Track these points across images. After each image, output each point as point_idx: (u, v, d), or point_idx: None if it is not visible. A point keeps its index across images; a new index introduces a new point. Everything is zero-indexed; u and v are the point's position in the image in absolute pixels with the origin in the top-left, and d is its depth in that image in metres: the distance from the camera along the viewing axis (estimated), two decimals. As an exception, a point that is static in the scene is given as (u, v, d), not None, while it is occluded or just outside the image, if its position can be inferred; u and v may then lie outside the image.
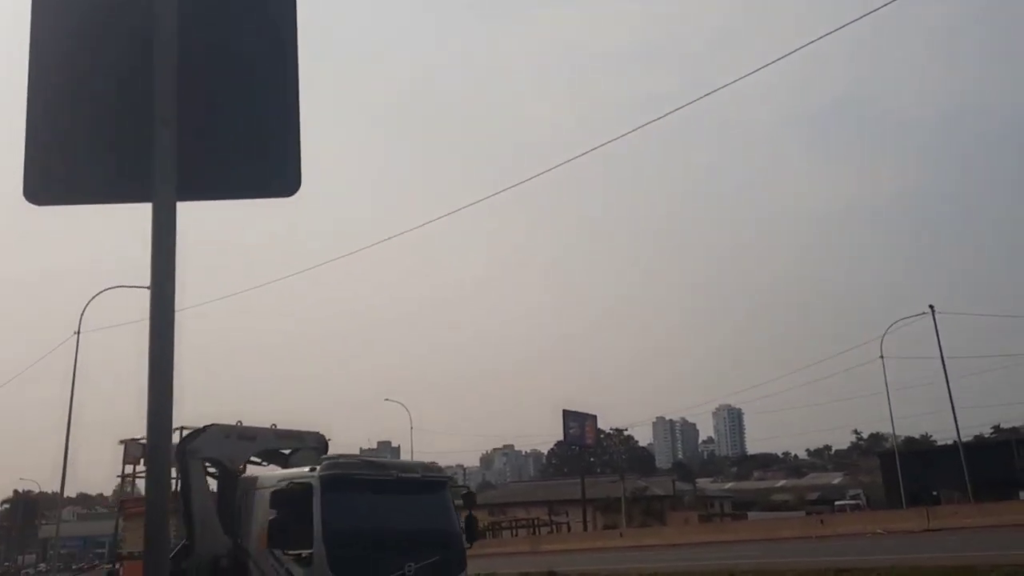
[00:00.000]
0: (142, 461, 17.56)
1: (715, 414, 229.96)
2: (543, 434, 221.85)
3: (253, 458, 13.35)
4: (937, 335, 41.93)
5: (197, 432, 12.34)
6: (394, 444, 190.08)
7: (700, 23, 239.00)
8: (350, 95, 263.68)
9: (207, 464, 12.46)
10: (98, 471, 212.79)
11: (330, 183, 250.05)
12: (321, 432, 14.44)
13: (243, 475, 12.70)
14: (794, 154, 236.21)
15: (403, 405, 64.91)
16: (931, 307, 43.46)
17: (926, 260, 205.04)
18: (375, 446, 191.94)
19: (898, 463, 46.64)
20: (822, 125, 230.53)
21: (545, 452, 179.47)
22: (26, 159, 1.90)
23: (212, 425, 12.50)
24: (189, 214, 1.87)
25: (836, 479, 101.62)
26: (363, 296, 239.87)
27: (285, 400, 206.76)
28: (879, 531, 25.27)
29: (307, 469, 11.16)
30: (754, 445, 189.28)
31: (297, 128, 1.99)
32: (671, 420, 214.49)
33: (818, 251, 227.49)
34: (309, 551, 10.24)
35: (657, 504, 72.24)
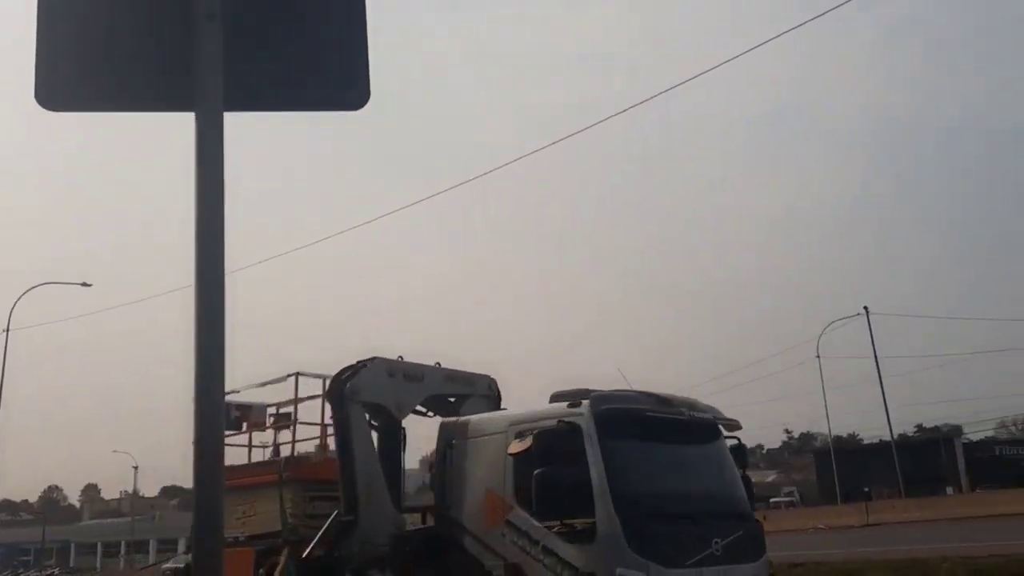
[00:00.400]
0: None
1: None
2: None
3: (417, 407, 10.78)
4: (871, 336, 43.06)
5: (355, 368, 9.70)
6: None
7: (642, 27, 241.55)
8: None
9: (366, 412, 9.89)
10: (23, 476, 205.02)
11: (270, 180, 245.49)
12: (491, 377, 11.55)
13: (445, 421, 9.97)
14: (734, 158, 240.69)
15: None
16: (865, 308, 44.57)
17: (861, 265, 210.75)
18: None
19: (833, 461, 47.74)
20: (761, 131, 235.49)
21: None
22: (37, 54, 1.52)
23: (375, 359, 9.94)
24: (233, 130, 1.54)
25: (770, 477, 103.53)
26: (320, 288, 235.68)
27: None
28: (820, 526, 25.71)
29: (564, 406, 8.27)
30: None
31: (365, 30, 1.68)
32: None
33: (755, 254, 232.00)
34: (589, 521, 7.62)
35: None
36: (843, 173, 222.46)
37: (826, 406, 47.53)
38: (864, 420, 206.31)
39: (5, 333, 30.23)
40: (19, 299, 30.59)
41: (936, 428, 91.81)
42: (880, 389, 42.64)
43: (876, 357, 42.59)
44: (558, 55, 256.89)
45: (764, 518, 29.18)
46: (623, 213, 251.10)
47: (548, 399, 9.01)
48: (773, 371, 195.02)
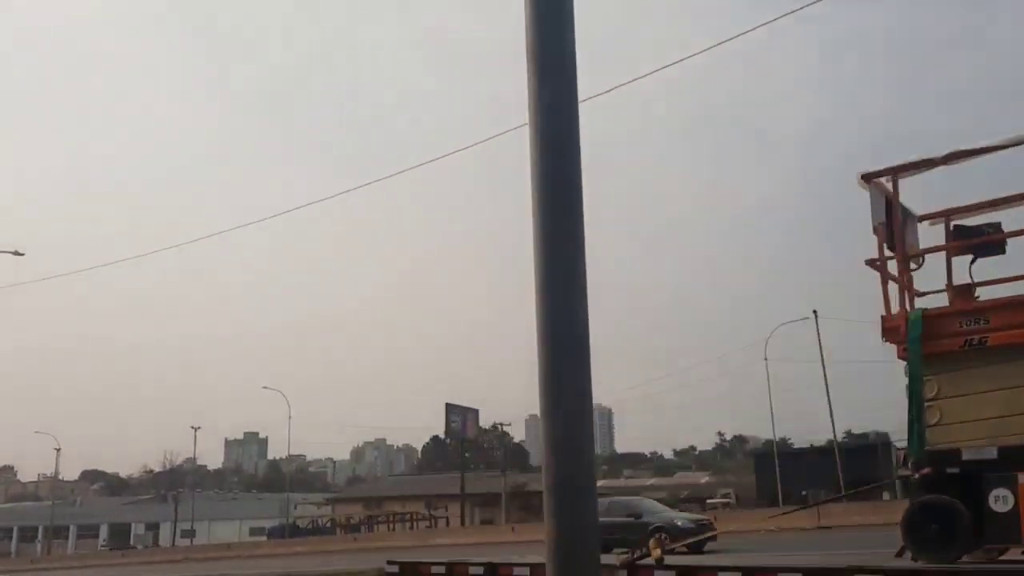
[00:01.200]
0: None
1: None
2: (416, 428, 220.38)
3: None
4: (819, 339, 43.49)
5: None
6: (262, 435, 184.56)
7: (584, 26, 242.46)
8: (226, 79, 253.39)
9: None
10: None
11: (199, 164, 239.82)
12: None
13: None
14: (673, 159, 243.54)
15: (281, 393, 62.02)
16: (815, 312, 45.07)
17: (797, 269, 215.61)
18: (241, 436, 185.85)
19: (777, 463, 48.19)
20: (696, 134, 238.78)
21: (417, 446, 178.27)
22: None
23: None
24: None
25: (703, 478, 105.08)
26: (232, 281, 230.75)
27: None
28: (772, 528, 25.60)
29: None
30: (623, 444, 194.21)
31: None
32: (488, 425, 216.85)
33: (695, 257, 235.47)
34: None
35: (536, 499, 72.37)
36: (776, 174, 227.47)
37: (771, 408, 48.14)
38: (797, 425, 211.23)
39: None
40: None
41: (864, 435, 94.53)
42: (826, 393, 43.05)
43: (823, 361, 43.01)
44: (503, 50, 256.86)
45: (715, 519, 29.03)
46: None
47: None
48: (706, 376, 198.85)
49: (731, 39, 12.77)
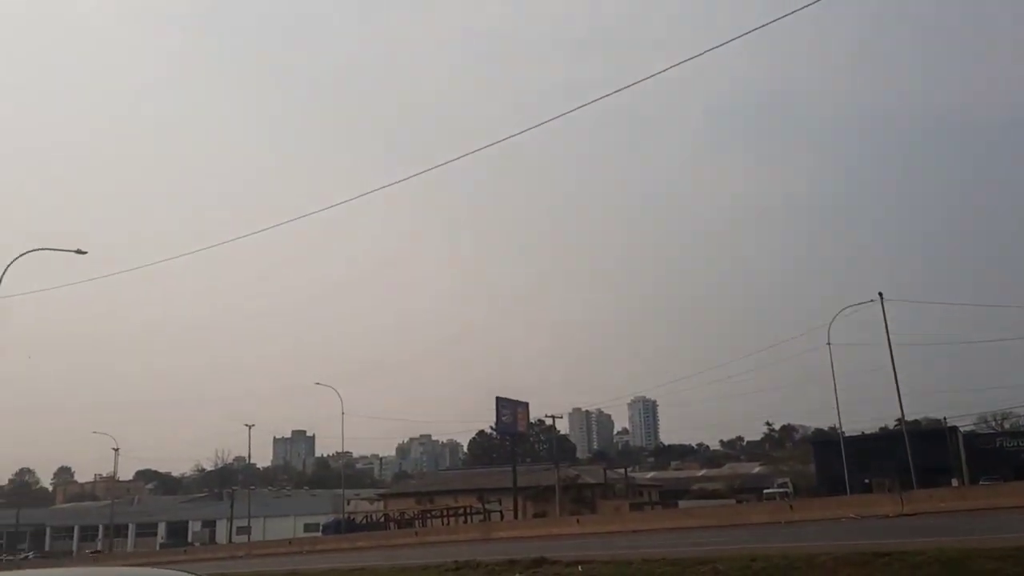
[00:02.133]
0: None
1: (631, 406, 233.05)
2: (463, 423, 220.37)
3: None
4: (886, 323, 42.26)
5: None
6: (309, 433, 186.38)
7: (627, 12, 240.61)
8: (272, 75, 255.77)
9: None
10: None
11: (247, 160, 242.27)
12: None
13: None
14: (721, 148, 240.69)
15: (334, 389, 62.21)
16: (880, 295, 43.81)
17: (846, 258, 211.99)
18: (289, 435, 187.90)
19: (843, 451, 47.01)
20: (748, 120, 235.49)
21: (461, 442, 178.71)
22: None
23: None
24: None
25: (755, 468, 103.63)
26: (276, 278, 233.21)
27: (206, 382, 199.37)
28: (852, 516, 24.91)
29: None
30: (667, 436, 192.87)
31: None
32: (588, 411, 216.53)
33: (739, 248, 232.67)
34: None
35: (588, 492, 71.90)
36: (835, 163, 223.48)
37: (836, 396, 46.75)
38: (845, 413, 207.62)
39: (-5, 301, 28.48)
40: (10, 265, 28.85)
41: (916, 422, 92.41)
42: (894, 378, 41.81)
43: (890, 345, 41.75)
44: (545, 37, 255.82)
45: (791, 507, 28.26)
46: (612, 207, 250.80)
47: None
48: (758, 366, 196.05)
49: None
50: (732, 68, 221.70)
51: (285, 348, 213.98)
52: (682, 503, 68.85)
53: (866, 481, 50.75)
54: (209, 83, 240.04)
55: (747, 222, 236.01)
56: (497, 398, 70.47)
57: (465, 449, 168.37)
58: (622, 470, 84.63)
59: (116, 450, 70.18)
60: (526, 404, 74.65)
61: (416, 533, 47.13)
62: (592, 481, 73.77)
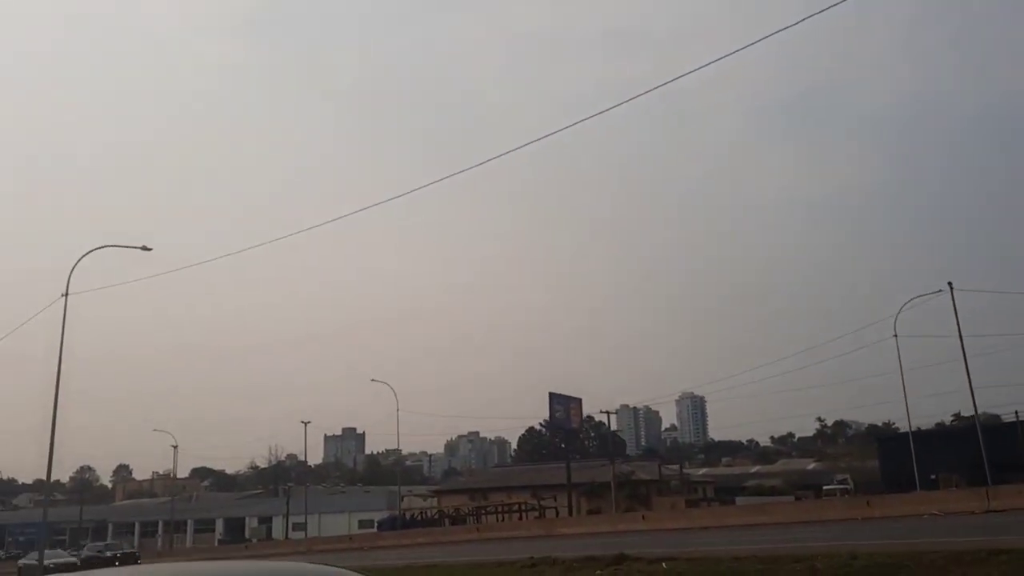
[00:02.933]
0: None
1: (678, 402, 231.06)
2: (518, 419, 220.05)
3: None
4: (956, 314, 40.88)
5: None
6: (359, 431, 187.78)
7: (670, 8, 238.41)
8: (318, 79, 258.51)
9: None
10: (58, 454, 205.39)
11: (292, 161, 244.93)
12: None
13: None
14: (768, 142, 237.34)
15: (390, 386, 62.35)
16: (950, 284, 42.41)
17: (899, 253, 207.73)
18: (340, 432, 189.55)
19: (912, 446, 45.59)
20: (793, 112, 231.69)
21: (509, 438, 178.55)
22: None
23: None
24: None
25: (810, 465, 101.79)
26: (330, 274, 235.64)
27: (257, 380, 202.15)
28: (935, 512, 24.06)
29: None
30: (715, 433, 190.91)
31: None
32: (635, 408, 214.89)
33: (791, 242, 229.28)
34: None
35: (643, 488, 71.15)
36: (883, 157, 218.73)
37: (904, 389, 45.36)
38: (896, 409, 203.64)
39: (64, 297, 28.79)
40: (78, 261, 29.19)
41: (969, 417, 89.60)
42: (966, 371, 40.42)
43: (961, 336, 40.36)
44: (584, 33, 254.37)
45: (868, 503, 27.42)
46: (659, 204, 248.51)
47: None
48: (808, 362, 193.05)
49: None
50: (777, 61, 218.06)
51: (336, 344, 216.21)
52: (739, 500, 67.77)
53: (932, 477, 49.25)
54: (261, 87, 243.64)
55: (795, 215, 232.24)
56: (550, 394, 70.11)
57: (514, 446, 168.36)
58: (675, 466, 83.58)
59: (175, 447, 71.24)
60: (579, 400, 74.14)
61: (477, 529, 46.98)
62: (647, 477, 73.02)
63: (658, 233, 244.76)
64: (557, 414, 71.09)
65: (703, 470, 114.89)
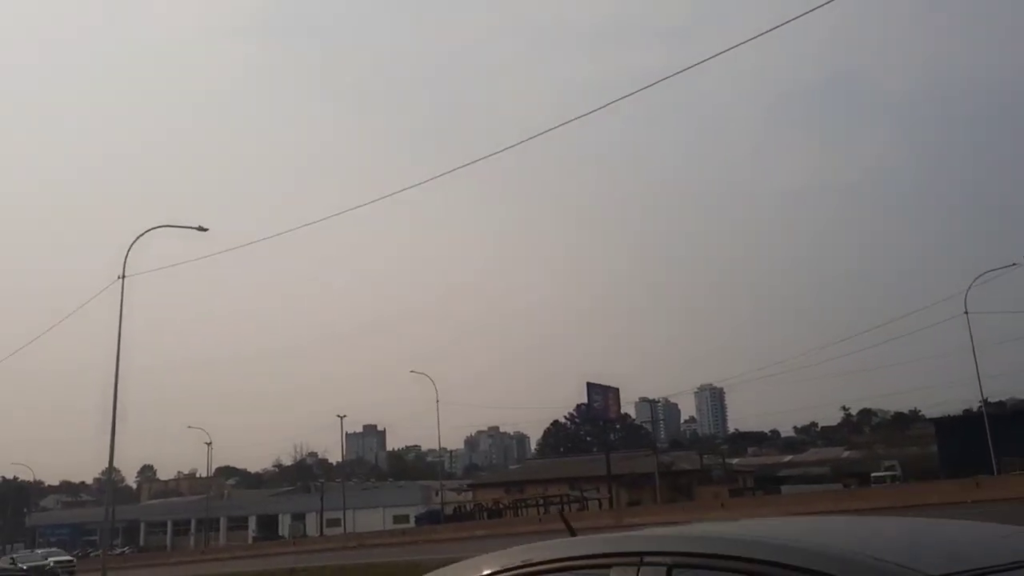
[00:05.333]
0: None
1: (697, 394, 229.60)
2: (544, 408, 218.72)
3: None
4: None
5: None
6: (380, 427, 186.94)
7: None
8: (327, 73, 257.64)
9: None
10: (84, 454, 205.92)
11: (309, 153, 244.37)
12: None
13: None
14: (782, 131, 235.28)
15: (430, 378, 61.28)
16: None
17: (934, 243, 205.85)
18: (360, 429, 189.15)
19: (988, 427, 44.08)
20: (819, 96, 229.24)
21: (529, 434, 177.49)
22: None
23: None
24: None
25: (844, 453, 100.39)
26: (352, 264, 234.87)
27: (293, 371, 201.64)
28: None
29: None
30: (734, 424, 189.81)
31: None
32: (654, 400, 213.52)
33: (812, 233, 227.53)
34: None
35: (684, 479, 70.03)
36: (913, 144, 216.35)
37: (977, 368, 43.92)
38: (926, 396, 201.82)
39: (120, 280, 27.73)
40: (134, 242, 28.12)
41: (1002, 403, 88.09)
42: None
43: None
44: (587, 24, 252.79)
45: (977, 484, 26.19)
46: (676, 196, 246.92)
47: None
48: (834, 356, 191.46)
49: None
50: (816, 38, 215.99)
51: (356, 342, 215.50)
52: (785, 488, 66.53)
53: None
54: (275, 87, 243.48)
55: (822, 203, 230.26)
56: (588, 383, 69.05)
57: (535, 441, 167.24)
58: (718, 457, 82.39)
59: (209, 444, 70.44)
60: (616, 390, 73.05)
61: (540, 520, 45.87)
62: (688, 467, 71.94)
63: (677, 224, 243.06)
64: (595, 403, 70.00)
65: (735, 460, 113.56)
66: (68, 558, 48.67)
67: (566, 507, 63.11)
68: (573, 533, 2.91)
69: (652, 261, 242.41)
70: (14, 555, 41.46)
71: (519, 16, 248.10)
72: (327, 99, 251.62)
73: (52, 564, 44.07)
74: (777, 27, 14.26)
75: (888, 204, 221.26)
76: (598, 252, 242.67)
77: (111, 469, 28.96)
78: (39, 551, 52.85)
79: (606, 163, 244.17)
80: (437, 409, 59.73)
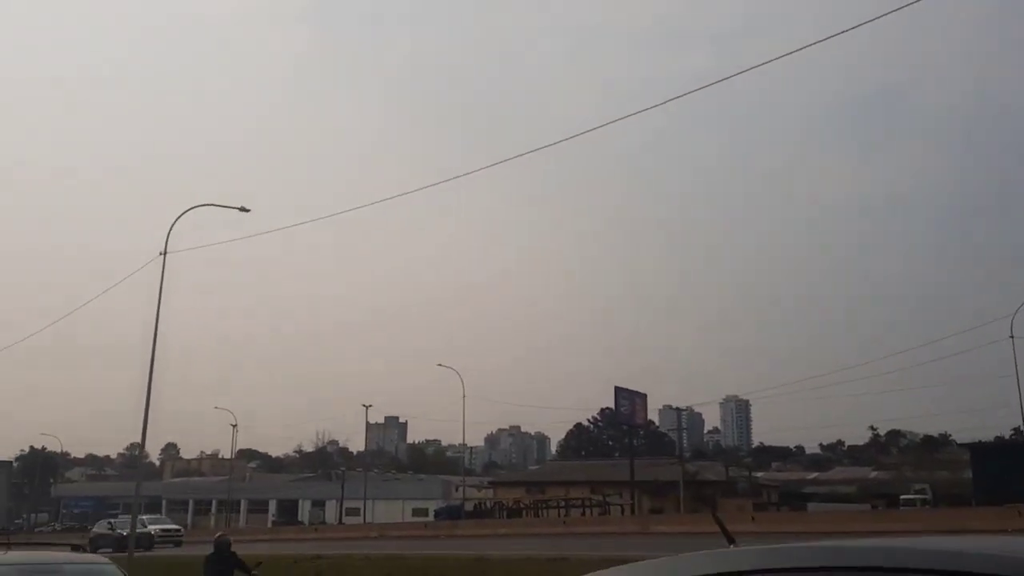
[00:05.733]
0: None
1: (722, 405, 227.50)
2: (568, 409, 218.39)
3: None
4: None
5: None
6: (401, 419, 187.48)
7: (733, 3, 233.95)
8: (363, 64, 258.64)
9: None
10: (106, 430, 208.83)
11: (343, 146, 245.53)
12: None
13: None
14: (824, 142, 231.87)
15: (456, 372, 61.00)
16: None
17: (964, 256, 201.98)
18: (382, 420, 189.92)
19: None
20: (859, 109, 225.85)
21: (550, 435, 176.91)
22: None
23: None
24: None
25: (871, 473, 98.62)
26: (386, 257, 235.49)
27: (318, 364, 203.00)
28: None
29: None
30: (759, 438, 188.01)
31: None
32: (677, 408, 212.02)
33: (856, 244, 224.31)
34: None
35: (708, 489, 69.08)
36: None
37: (1021, 394, 42.76)
38: (954, 421, 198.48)
39: (162, 256, 27.64)
40: (176, 220, 28.01)
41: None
42: None
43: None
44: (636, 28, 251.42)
45: (1020, 513, 25.35)
46: (707, 206, 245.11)
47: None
48: (862, 375, 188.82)
49: None
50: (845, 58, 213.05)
51: (379, 333, 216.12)
52: (811, 506, 65.39)
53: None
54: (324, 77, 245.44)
55: (842, 223, 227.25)
56: (616, 388, 68.45)
57: (555, 443, 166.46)
58: (743, 470, 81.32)
59: (235, 426, 70.74)
60: (644, 395, 72.38)
61: (564, 523, 45.41)
62: (712, 478, 71.00)
63: (708, 235, 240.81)
64: (622, 408, 69.38)
65: (760, 474, 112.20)
66: (175, 527, 46.97)
67: (587, 511, 62.57)
68: (732, 541, 2.68)
69: (682, 268, 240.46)
70: (112, 520, 39.34)
71: (557, 15, 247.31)
72: (371, 89, 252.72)
73: (156, 532, 41.62)
74: (823, 40, 13.72)
75: (931, 220, 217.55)
76: (629, 254, 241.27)
77: (143, 444, 28.82)
78: (143, 517, 48.01)
79: (641, 171, 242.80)
80: (463, 404, 59.43)
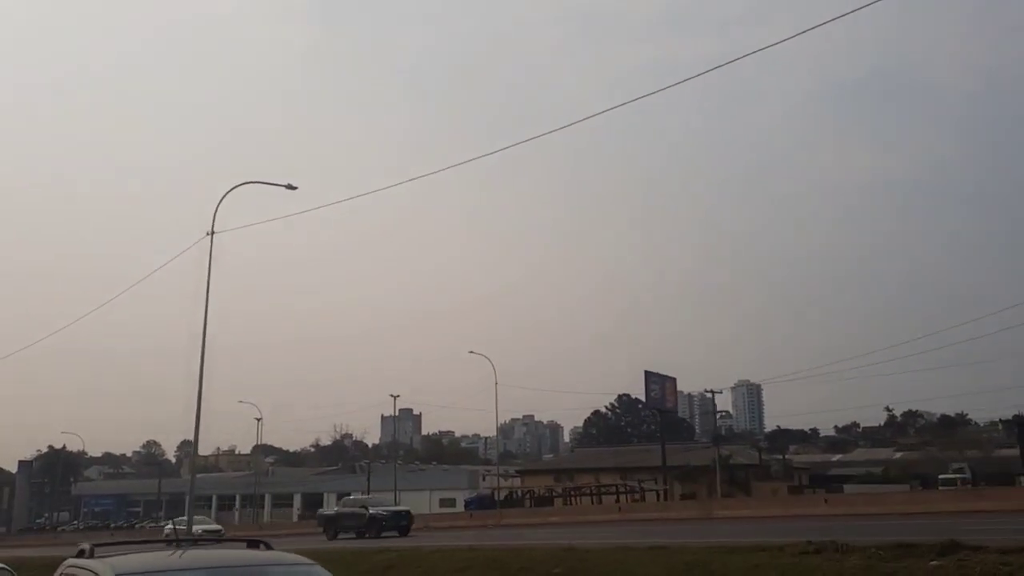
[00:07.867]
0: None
1: (734, 389, 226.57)
2: (587, 394, 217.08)
3: None
4: None
5: None
6: (415, 411, 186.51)
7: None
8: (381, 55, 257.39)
9: None
10: (125, 429, 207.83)
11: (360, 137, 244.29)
12: None
13: None
14: (825, 127, 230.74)
15: (488, 359, 60.03)
16: None
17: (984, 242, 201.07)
18: (396, 414, 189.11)
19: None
20: (871, 94, 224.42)
21: (563, 424, 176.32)
22: None
23: None
24: None
25: (896, 454, 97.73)
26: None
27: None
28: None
29: None
30: (771, 421, 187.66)
31: None
32: (690, 394, 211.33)
33: (860, 226, 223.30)
34: None
35: (741, 473, 68.15)
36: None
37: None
38: (973, 401, 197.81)
39: (209, 236, 26.51)
40: (223, 198, 26.88)
41: None
42: None
43: None
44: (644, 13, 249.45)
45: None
46: (720, 188, 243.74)
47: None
48: (879, 360, 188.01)
49: None
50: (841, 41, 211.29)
51: (401, 328, 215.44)
52: (847, 487, 64.38)
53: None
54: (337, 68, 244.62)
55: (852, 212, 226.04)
56: (646, 372, 67.64)
57: (568, 432, 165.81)
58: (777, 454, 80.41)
59: (259, 419, 69.86)
60: (674, 379, 71.53)
61: (620, 509, 44.44)
62: (745, 462, 70.04)
63: (728, 220, 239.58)
64: (653, 393, 68.52)
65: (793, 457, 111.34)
66: (217, 527, 48.39)
67: (622, 498, 61.65)
68: None
69: (697, 255, 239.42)
70: (174, 520, 39.29)
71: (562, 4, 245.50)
72: (382, 82, 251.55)
73: (201, 532, 41.38)
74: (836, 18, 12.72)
75: (950, 203, 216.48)
76: (645, 244, 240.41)
77: (196, 439, 27.70)
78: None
79: (642, 157, 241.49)
80: (496, 392, 58.43)
